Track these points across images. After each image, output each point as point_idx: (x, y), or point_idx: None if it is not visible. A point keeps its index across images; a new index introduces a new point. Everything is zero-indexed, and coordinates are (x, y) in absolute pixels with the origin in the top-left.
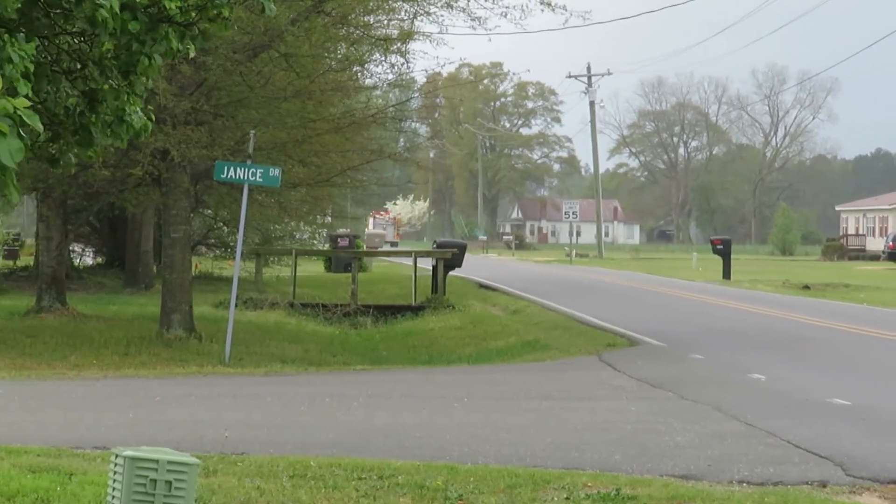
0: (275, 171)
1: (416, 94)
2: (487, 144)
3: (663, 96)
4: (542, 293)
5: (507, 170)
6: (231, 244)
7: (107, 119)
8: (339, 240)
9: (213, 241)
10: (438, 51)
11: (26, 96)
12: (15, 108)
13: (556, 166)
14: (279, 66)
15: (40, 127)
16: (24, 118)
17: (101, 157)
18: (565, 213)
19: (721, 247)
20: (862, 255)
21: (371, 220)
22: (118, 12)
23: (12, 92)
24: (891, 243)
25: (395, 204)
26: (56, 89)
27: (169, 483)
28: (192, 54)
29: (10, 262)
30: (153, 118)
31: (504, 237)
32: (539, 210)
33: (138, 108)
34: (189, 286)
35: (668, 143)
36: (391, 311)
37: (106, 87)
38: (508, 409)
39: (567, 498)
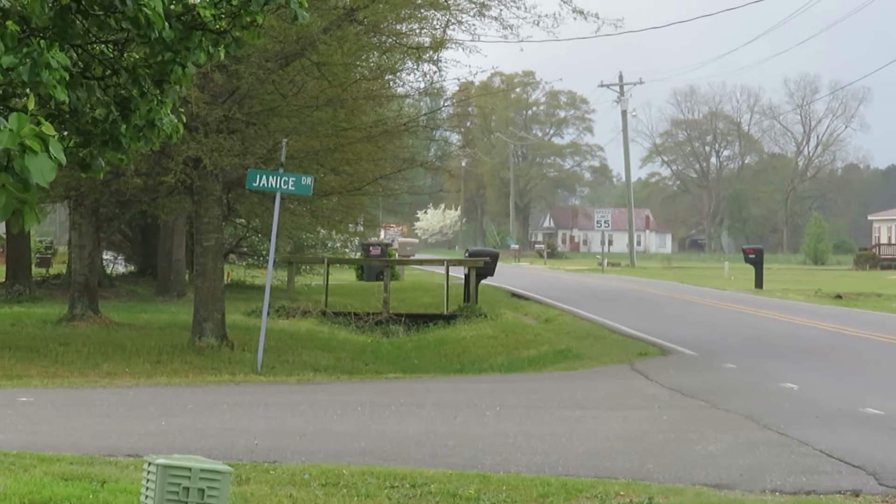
0: (307, 180)
1: (448, 103)
2: (519, 153)
3: (695, 105)
4: (574, 302)
5: (539, 179)
6: (263, 252)
7: (138, 124)
8: (370, 248)
9: (245, 249)
10: (471, 59)
11: (63, 103)
12: (43, 133)
13: (588, 175)
14: (311, 75)
15: (63, 159)
16: (51, 148)
17: (133, 162)
18: (597, 222)
19: (753, 256)
20: (894, 264)
21: (382, 232)
22: (161, 13)
23: (47, 100)
24: None
25: (426, 213)
26: (87, 96)
27: (201, 491)
28: (222, 57)
29: (43, 270)
30: (184, 119)
31: (536, 246)
32: (571, 219)
33: (168, 111)
34: (221, 294)
35: (700, 152)
36: (423, 319)
37: (137, 94)
38: (540, 417)
39: None
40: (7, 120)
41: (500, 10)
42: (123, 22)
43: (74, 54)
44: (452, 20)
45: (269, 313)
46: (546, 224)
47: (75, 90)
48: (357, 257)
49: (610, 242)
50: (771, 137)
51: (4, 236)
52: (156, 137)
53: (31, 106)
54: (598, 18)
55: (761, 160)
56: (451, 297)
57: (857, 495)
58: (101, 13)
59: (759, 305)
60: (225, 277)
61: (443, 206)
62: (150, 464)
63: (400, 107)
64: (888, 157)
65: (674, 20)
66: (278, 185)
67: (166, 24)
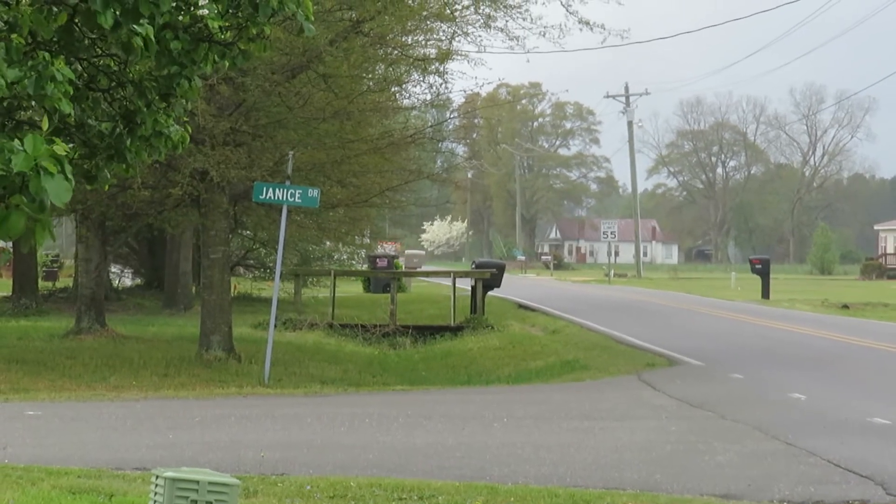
0: (313, 192)
1: (455, 115)
2: (525, 164)
3: (702, 116)
4: (581, 313)
5: (546, 190)
6: (270, 265)
7: (144, 134)
8: (377, 260)
9: (251, 262)
10: (477, 71)
11: (68, 116)
12: (57, 153)
13: (594, 186)
14: (318, 87)
15: (73, 180)
16: (65, 169)
17: (140, 175)
18: (603, 233)
19: (760, 266)
20: None
21: (379, 247)
22: (153, 39)
23: (52, 113)
24: None
25: (432, 224)
26: (93, 109)
27: None
28: (226, 67)
29: (50, 284)
30: (189, 129)
31: (542, 257)
32: (577, 230)
33: (172, 122)
34: (228, 307)
35: (706, 163)
36: (430, 331)
37: (143, 107)
38: (548, 428)
39: None
40: (21, 141)
41: (507, 22)
42: (115, 48)
43: (80, 67)
44: (458, 32)
45: (276, 326)
46: (552, 235)
47: (81, 103)
48: (364, 269)
49: (616, 253)
50: (777, 148)
51: (11, 250)
52: (163, 146)
53: (46, 126)
54: (604, 29)
55: (767, 170)
56: (457, 308)
57: None
58: (96, 33)
59: (766, 316)
60: (232, 290)
61: (449, 217)
62: (157, 477)
63: (406, 118)
64: (894, 166)
65: (680, 31)
66: (285, 198)
67: (173, 35)
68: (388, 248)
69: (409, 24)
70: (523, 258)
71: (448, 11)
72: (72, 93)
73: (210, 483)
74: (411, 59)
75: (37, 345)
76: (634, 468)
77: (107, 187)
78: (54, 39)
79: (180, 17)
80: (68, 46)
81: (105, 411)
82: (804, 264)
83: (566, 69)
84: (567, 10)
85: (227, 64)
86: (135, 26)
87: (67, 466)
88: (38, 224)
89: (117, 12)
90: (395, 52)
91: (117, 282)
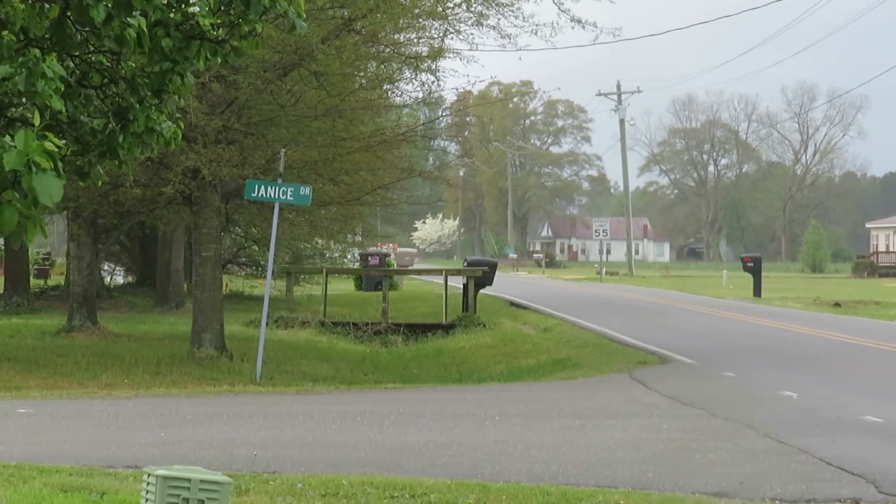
0: (305, 190)
1: (447, 113)
2: (517, 162)
3: (693, 114)
4: (573, 311)
5: (537, 188)
6: (262, 263)
7: (136, 131)
8: (369, 258)
9: (243, 259)
10: (469, 69)
11: (59, 112)
12: (49, 148)
13: (586, 184)
14: (309, 85)
15: (64, 179)
16: (57, 166)
17: (132, 172)
18: (595, 231)
19: (751, 264)
20: (892, 272)
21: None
22: (146, 31)
23: (43, 110)
24: None
25: (424, 222)
26: (85, 105)
27: (201, 502)
28: (219, 63)
29: (41, 282)
30: (182, 126)
31: (534, 255)
32: (569, 228)
33: (165, 118)
34: (220, 305)
35: (697, 161)
36: (422, 329)
37: (136, 103)
38: (540, 426)
39: None
40: (12, 138)
41: (499, 20)
42: (107, 42)
43: (72, 63)
44: (450, 29)
45: (267, 324)
46: (544, 233)
47: (73, 100)
48: (356, 267)
49: (608, 251)
50: (769, 146)
51: (3, 248)
52: (155, 143)
53: (38, 122)
54: (595, 27)
55: (759, 169)
56: (449, 306)
57: (857, 503)
58: (88, 29)
59: (758, 314)
60: (224, 288)
61: (441, 215)
62: (149, 475)
63: (398, 116)
64: (886, 164)
65: (671, 28)
66: (277, 196)
67: (165, 32)
68: (380, 248)
69: (401, 21)
70: (515, 256)
71: (440, 9)
72: (63, 90)
73: (202, 481)
74: (403, 57)
75: (28, 342)
76: (626, 466)
77: (99, 184)
78: (46, 36)
79: (172, 15)
80: (60, 43)
81: (97, 409)
82: (796, 262)
83: (558, 67)
84: (559, 8)
85: (219, 61)
86: (127, 19)
87: (59, 464)
88: (29, 220)
89: (109, 5)
90: (387, 49)
91: (109, 279)
